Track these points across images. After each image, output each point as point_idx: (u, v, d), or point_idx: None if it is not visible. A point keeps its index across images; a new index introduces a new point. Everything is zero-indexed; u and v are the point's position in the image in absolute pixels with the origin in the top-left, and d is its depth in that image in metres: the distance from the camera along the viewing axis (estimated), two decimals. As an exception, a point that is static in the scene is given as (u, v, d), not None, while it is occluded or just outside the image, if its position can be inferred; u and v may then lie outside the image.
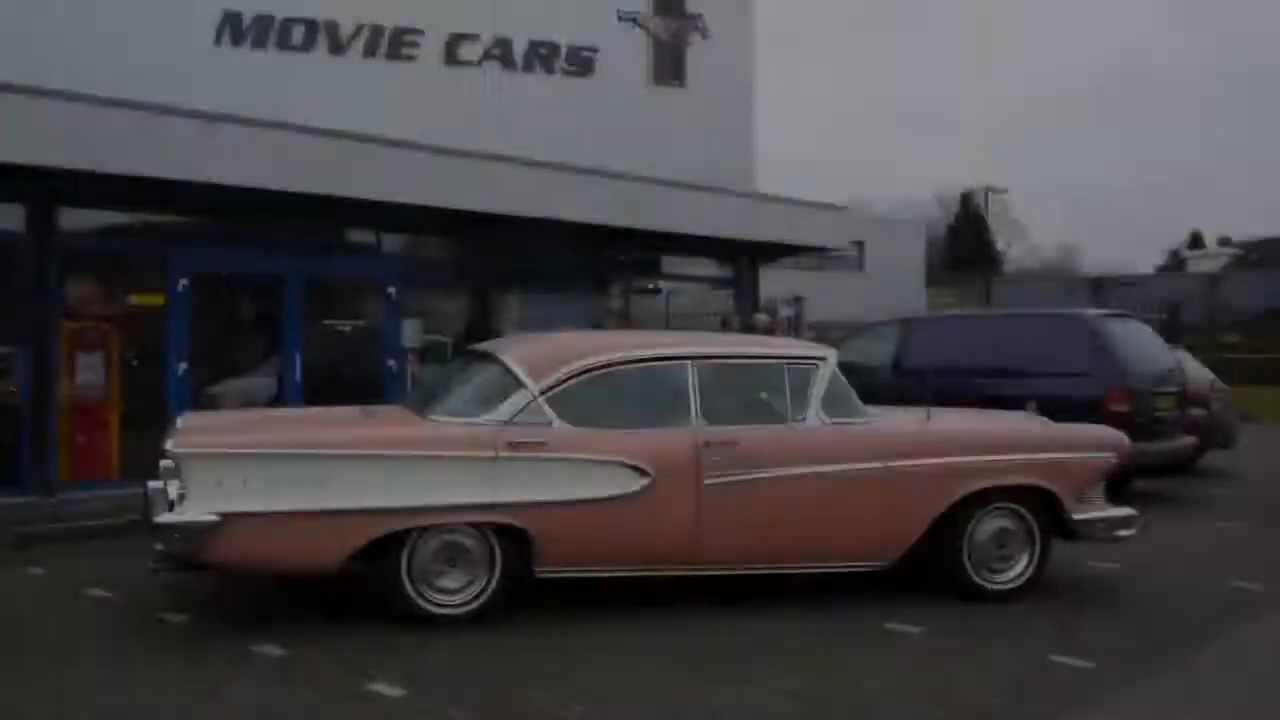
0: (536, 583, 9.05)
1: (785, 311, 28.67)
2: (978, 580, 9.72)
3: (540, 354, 9.52)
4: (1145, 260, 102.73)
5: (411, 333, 17.77)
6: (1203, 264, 73.75)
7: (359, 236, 18.61)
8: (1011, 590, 9.76)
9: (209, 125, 14.28)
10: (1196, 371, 18.96)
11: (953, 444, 9.81)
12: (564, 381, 9.06)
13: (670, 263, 23.60)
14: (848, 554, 9.57)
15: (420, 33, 28.34)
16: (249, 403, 16.36)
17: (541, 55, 29.53)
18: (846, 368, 10.96)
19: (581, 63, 29.91)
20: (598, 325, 19.32)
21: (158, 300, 15.47)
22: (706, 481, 9.02)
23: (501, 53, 29.19)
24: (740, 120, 31.92)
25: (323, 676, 7.44)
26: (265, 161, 14.57)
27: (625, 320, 20.26)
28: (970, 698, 7.23)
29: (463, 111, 28.32)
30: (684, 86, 31.05)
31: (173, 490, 8.28)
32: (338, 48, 27.66)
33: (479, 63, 29.05)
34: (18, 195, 14.01)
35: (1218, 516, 14.34)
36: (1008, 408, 12.05)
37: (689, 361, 9.44)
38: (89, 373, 14.71)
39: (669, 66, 30.98)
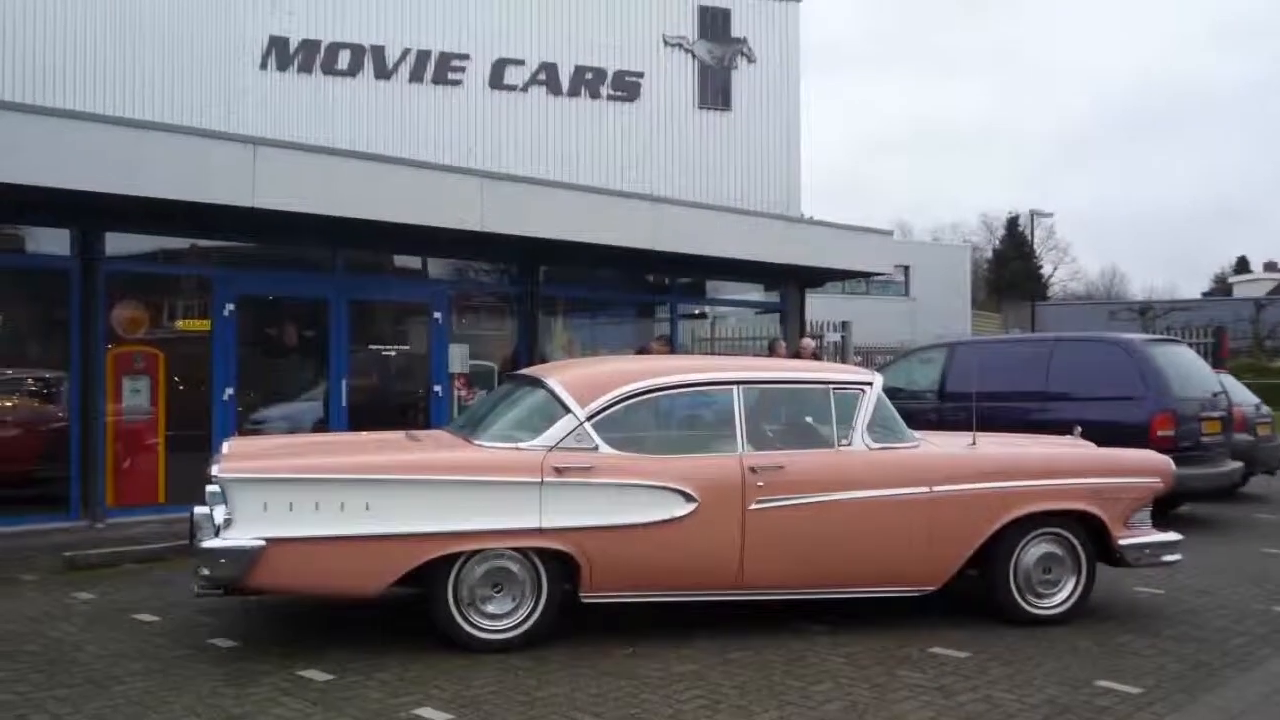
0: (582, 607, 9.04)
1: (831, 336, 28.61)
2: (1024, 605, 9.70)
3: (586, 379, 9.50)
4: (1191, 285, 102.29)
5: (458, 358, 17.78)
6: (1248, 288, 73.40)
7: (405, 261, 18.64)
8: (1057, 615, 9.73)
9: (255, 150, 14.31)
10: (1242, 396, 18.85)
11: (998, 469, 9.78)
12: (610, 406, 9.05)
13: (716, 287, 23.59)
14: (893, 579, 9.53)
15: (466, 57, 28.48)
16: (294, 427, 16.39)
17: (587, 80, 29.63)
18: (892, 392, 10.94)
19: (627, 87, 30.01)
20: (644, 350, 19.30)
21: (203, 325, 15.53)
22: (752, 506, 9.00)
23: (547, 77, 29.30)
24: (786, 144, 31.97)
25: (368, 701, 7.44)
26: (311, 186, 14.59)
27: (671, 345, 20.23)
28: (1017, 724, 7.20)
29: (508, 136, 28.48)
30: (729, 111, 31.13)
31: (218, 515, 8.29)
32: (384, 72, 27.80)
33: (525, 87, 29.17)
34: (66, 220, 14.08)
35: (1263, 541, 14.21)
36: (1053, 432, 11.98)
37: (734, 386, 9.42)
38: (135, 397, 14.76)
39: (715, 91, 31.06)
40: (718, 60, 30.96)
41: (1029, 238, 79.43)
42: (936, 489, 9.43)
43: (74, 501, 14.19)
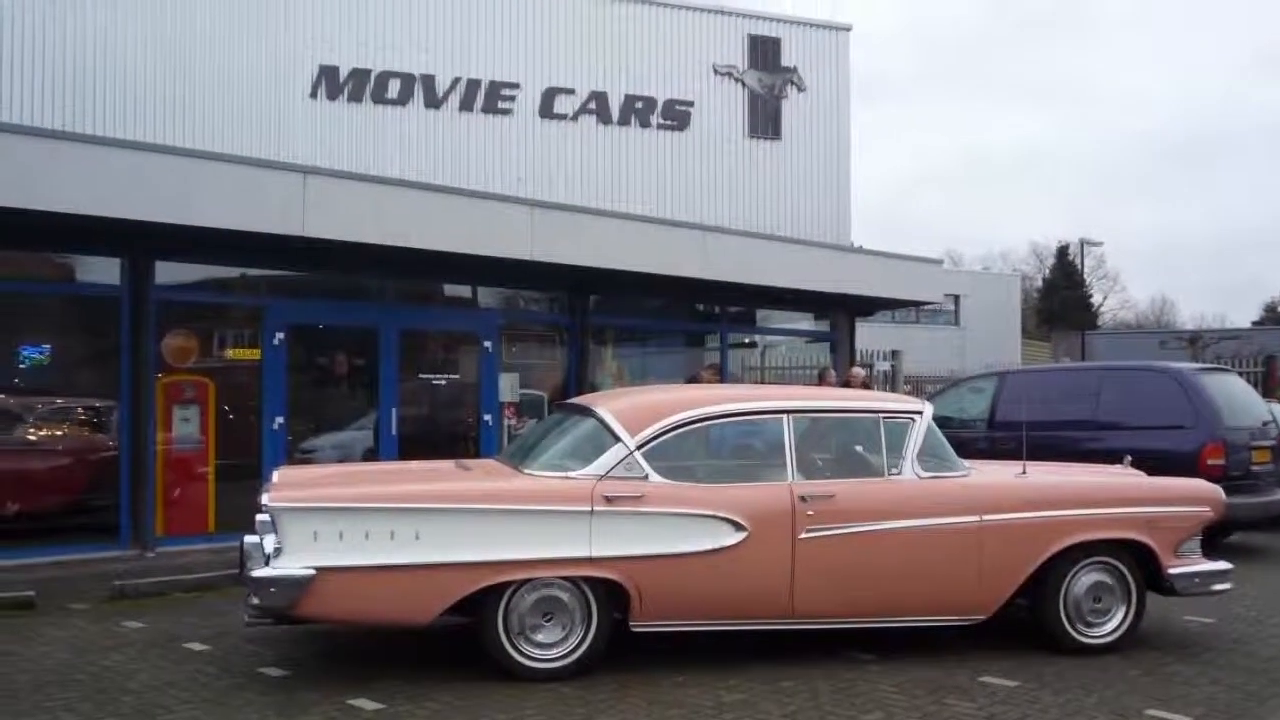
0: (632, 635, 9.00)
1: (881, 365, 28.54)
2: (1074, 634, 9.67)
3: (636, 408, 9.49)
4: (1241, 314, 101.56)
5: (508, 387, 17.77)
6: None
7: (455, 290, 18.66)
8: (1107, 644, 9.69)
9: (305, 179, 14.33)
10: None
11: (1048, 498, 9.77)
12: (660, 435, 9.03)
13: (766, 316, 23.55)
14: (943, 608, 9.49)
15: (516, 86, 28.49)
16: (344, 456, 16.41)
17: (638, 109, 29.62)
18: (942, 421, 10.88)
19: (677, 116, 30.00)
20: (693, 379, 19.27)
21: (254, 353, 15.57)
22: (802, 535, 8.96)
23: (597, 106, 29.31)
24: (836, 173, 31.93)
25: (417, 731, 7.42)
26: (362, 215, 14.60)
27: (721, 374, 20.18)
28: (1071, 756, 7.14)
29: (558, 165, 28.51)
30: (779, 140, 31.10)
31: (269, 544, 8.32)
32: (434, 101, 27.84)
33: (575, 116, 29.17)
34: (116, 249, 14.13)
35: (1314, 571, 14.14)
36: (1103, 461, 11.93)
37: (785, 415, 9.40)
38: (185, 426, 14.79)
39: (765, 120, 31.04)
40: (768, 89, 30.95)
41: (1079, 267, 79.05)
42: (987, 518, 9.39)
43: (124, 530, 14.22)
